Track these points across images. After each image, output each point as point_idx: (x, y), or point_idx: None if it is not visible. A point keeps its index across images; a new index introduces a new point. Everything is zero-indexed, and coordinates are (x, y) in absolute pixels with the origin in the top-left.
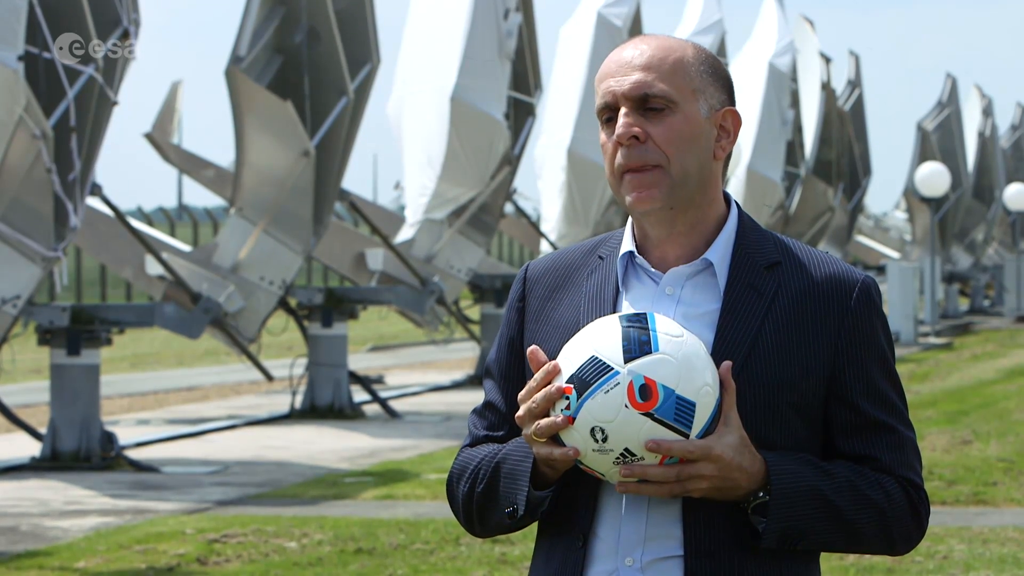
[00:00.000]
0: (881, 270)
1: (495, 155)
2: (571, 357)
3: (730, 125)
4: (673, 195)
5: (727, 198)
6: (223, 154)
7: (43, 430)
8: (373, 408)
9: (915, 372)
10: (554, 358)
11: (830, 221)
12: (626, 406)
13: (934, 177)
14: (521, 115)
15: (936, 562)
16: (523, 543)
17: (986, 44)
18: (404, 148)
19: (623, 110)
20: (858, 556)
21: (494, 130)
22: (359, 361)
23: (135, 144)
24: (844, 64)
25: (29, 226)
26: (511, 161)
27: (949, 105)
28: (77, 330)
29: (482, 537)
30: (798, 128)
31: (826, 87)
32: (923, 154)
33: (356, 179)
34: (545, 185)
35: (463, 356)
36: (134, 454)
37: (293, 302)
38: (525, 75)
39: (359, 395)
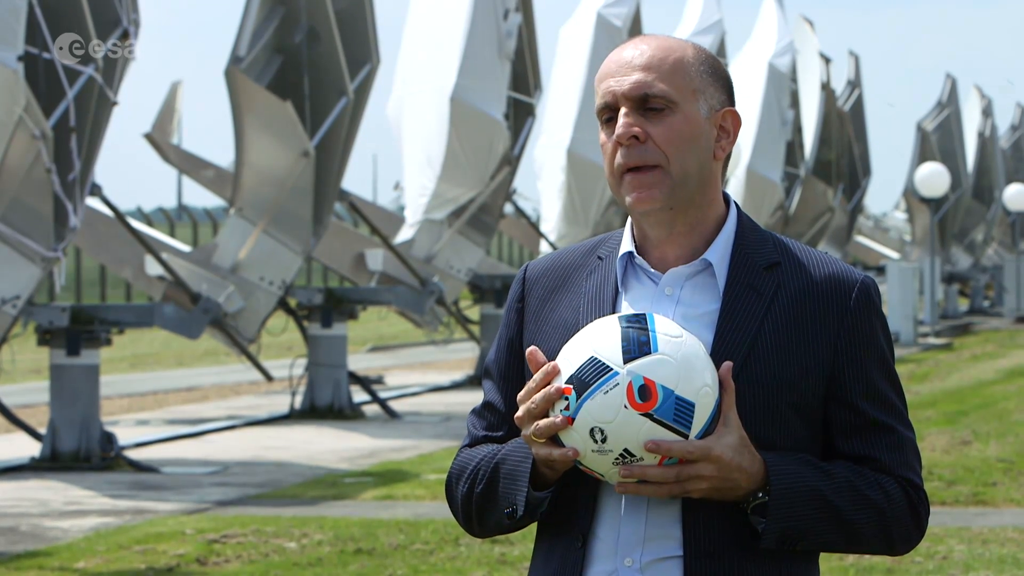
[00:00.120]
0: (881, 270)
1: (495, 155)
2: (570, 358)
3: (730, 125)
4: (673, 195)
5: (726, 198)
6: (223, 154)
7: (43, 430)
8: (373, 408)
9: (915, 372)
10: (553, 358)
11: (830, 221)
12: (625, 407)
13: (934, 177)
14: (521, 115)
15: (936, 562)
16: (523, 543)
17: (986, 44)
18: (404, 148)
19: (623, 110)
20: (858, 556)
21: (494, 130)
22: (359, 361)
23: (135, 144)
24: (844, 64)
25: (29, 226)
26: (511, 161)
27: (949, 105)
28: (77, 330)
29: (481, 537)
30: (798, 128)
31: (826, 87)
32: (923, 154)
33: (356, 179)
34: (545, 185)
35: (463, 356)
36: (134, 454)
37: (293, 302)
38: (525, 75)
39: (359, 395)
